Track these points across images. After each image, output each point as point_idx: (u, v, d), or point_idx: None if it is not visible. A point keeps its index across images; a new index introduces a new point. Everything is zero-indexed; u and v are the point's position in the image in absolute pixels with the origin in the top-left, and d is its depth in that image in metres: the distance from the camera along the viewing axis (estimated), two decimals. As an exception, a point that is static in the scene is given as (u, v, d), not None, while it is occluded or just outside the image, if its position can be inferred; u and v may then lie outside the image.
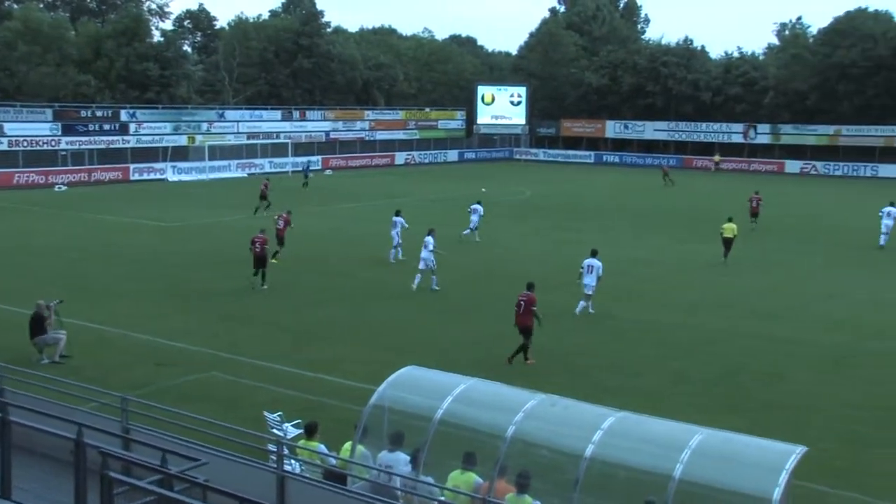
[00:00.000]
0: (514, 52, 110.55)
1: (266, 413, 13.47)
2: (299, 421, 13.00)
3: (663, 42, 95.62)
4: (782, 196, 54.31)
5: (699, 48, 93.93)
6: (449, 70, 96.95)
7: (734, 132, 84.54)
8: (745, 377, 18.03)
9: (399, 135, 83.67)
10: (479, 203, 34.78)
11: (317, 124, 76.68)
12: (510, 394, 10.93)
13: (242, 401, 15.63)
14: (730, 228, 30.96)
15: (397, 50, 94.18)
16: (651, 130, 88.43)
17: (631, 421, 10.08)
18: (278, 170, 68.72)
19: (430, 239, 25.25)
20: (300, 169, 64.51)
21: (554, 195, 53.94)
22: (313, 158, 72.36)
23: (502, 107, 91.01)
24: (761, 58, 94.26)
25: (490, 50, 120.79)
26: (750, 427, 13.23)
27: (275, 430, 12.93)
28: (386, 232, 30.65)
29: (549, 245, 34.06)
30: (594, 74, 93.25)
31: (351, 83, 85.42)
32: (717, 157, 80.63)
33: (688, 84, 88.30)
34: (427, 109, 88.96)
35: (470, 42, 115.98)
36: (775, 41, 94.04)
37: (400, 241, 29.51)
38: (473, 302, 24.28)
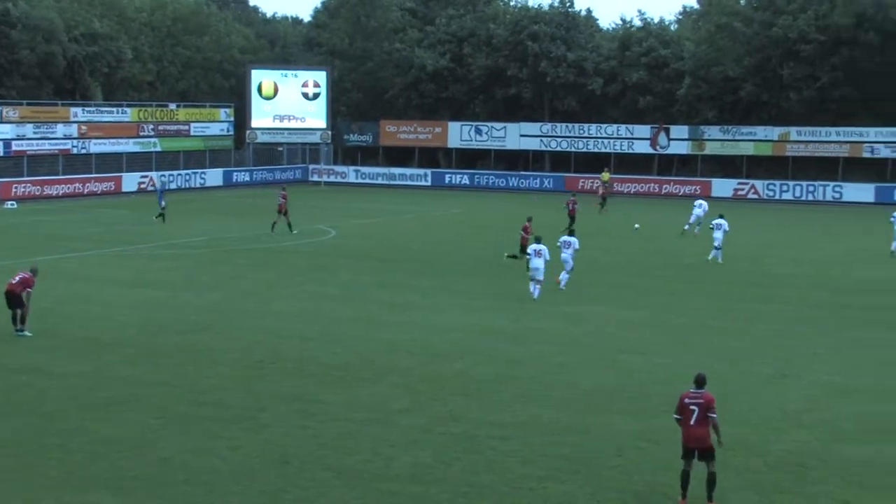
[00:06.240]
0: (306, 18, 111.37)
1: None
2: None
3: (531, 3, 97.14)
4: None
5: (583, 13, 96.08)
6: (206, 45, 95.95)
7: (638, 138, 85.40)
8: None
9: (128, 146, 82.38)
10: (722, 217, 45.01)
11: (-10, 128, 74.35)
12: None
13: None
14: None
15: (122, 13, 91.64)
16: (516, 136, 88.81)
17: None
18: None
19: None
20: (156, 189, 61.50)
21: (375, 235, 54.67)
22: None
23: (291, 102, 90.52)
24: (673, 28, 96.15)
25: (270, 15, 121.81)
26: None
27: None
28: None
29: (368, 311, 32.84)
30: (429, 53, 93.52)
31: (46, 63, 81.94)
32: (605, 176, 79.90)
33: (568, 67, 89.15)
34: (172, 106, 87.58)
35: (239, 3, 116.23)
36: (692, 3, 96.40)
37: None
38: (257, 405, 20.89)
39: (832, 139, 79.83)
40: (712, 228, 44.77)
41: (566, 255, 36.44)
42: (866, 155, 79.21)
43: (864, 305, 35.13)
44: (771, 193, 79.28)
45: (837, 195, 77.88)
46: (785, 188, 79.48)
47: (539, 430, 20.46)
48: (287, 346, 27.73)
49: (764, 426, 20.82)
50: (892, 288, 38.75)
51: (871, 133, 79.08)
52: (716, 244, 43.75)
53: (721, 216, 45.10)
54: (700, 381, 17.23)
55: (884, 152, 78.73)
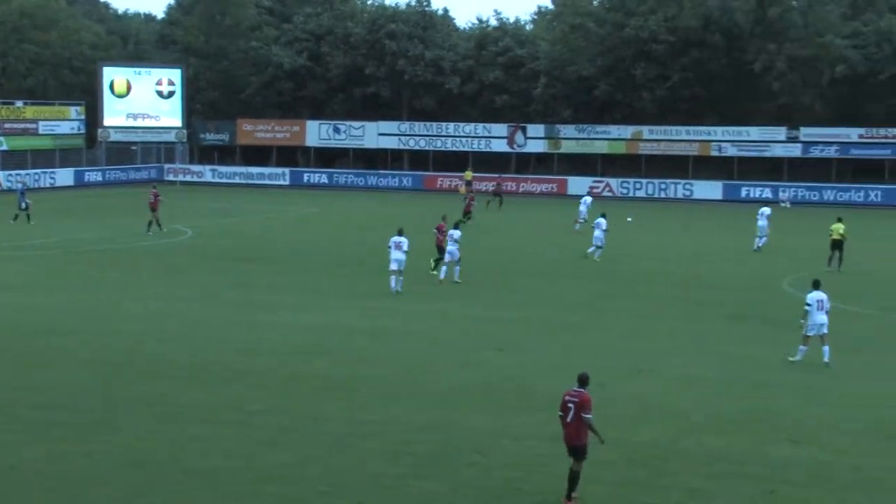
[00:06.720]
0: (160, 14, 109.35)
1: None
2: None
3: (388, 2, 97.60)
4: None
5: (440, 12, 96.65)
6: (54, 41, 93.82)
7: (495, 137, 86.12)
8: None
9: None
10: (603, 216, 46.05)
11: None
12: None
13: None
14: (836, 229, 43.04)
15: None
16: (374, 135, 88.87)
17: None
18: None
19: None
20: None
21: (232, 234, 54.40)
22: None
23: (144, 100, 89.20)
24: (529, 28, 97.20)
25: (122, 11, 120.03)
26: None
27: None
28: None
29: (225, 311, 32.56)
30: (286, 51, 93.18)
31: None
32: (468, 175, 79.71)
33: (426, 66, 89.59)
34: (19, 104, 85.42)
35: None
36: (548, 3, 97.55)
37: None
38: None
39: (682, 138, 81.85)
40: (593, 228, 46.17)
41: (452, 247, 37.99)
42: (714, 153, 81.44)
43: (717, 301, 36.00)
44: (625, 191, 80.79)
45: (688, 192, 79.83)
46: (638, 186, 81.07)
47: (399, 427, 20.47)
48: (142, 347, 27.22)
49: (622, 420, 21.15)
50: (744, 283, 39.90)
51: (719, 132, 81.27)
52: (597, 243, 45.11)
53: (602, 215, 46.44)
54: (582, 381, 17.24)
55: (730, 151, 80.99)
